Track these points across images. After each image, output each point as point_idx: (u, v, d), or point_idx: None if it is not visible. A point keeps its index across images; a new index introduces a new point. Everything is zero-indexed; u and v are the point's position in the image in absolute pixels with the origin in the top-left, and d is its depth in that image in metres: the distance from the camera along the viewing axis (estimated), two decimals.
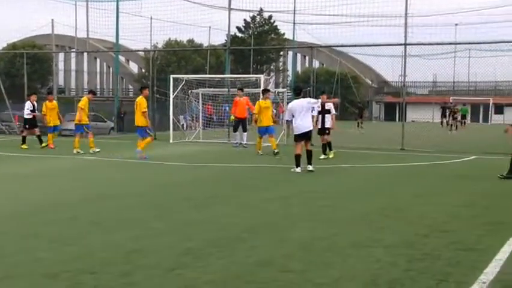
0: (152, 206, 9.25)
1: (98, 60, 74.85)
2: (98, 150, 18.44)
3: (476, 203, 9.79)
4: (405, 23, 23.02)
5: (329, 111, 16.88)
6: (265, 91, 19.76)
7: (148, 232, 7.31)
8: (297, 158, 13.68)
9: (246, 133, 21.73)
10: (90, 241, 6.85)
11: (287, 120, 14.17)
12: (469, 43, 35.61)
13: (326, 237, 7.14)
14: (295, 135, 13.87)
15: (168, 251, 6.39)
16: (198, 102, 26.78)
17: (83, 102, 19.11)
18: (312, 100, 14.40)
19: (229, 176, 13.79)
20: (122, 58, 69.49)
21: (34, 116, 20.83)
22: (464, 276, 5.56)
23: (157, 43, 50.33)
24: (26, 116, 21.02)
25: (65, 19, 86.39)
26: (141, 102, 16.90)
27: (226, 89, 27.17)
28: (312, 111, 14.32)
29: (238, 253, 6.32)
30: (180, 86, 25.05)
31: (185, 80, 25.81)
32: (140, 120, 16.96)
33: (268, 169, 15.14)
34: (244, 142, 21.54)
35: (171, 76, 25.90)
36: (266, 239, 7.04)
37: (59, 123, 21.14)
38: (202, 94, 26.75)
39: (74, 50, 57.13)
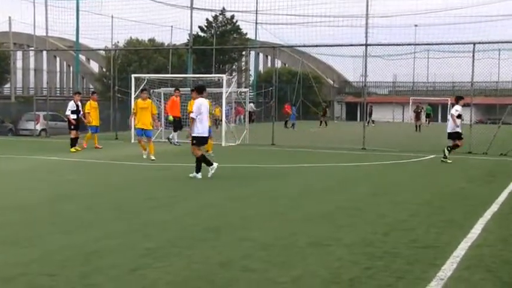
0: (112, 207, 9.16)
1: (58, 59, 73.65)
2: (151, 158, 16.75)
3: (433, 202, 9.96)
4: (366, 24, 23.32)
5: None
6: (142, 91, 18.67)
7: (108, 233, 7.23)
8: (201, 161, 12.68)
9: (177, 133, 22.00)
10: (48, 243, 6.73)
11: (192, 118, 12.67)
12: (428, 44, 36.28)
13: (285, 236, 7.18)
14: (199, 137, 12.69)
15: (129, 251, 6.33)
16: (160, 101, 26.58)
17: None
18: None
19: (189, 176, 13.71)
20: (82, 57, 68.66)
21: (78, 116, 19.81)
22: (423, 273, 5.65)
23: (118, 42, 49.86)
24: (68, 117, 19.92)
25: (23, 17, 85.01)
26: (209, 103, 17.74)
27: (189, 89, 27.04)
28: None
29: (199, 253, 6.30)
30: (142, 86, 24.82)
31: (147, 80, 25.59)
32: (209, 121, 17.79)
33: (228, 169, 15.12)
34: (176, 140, 21.79)
35: (132, 75, 25.67)
36: (227, 238, 7.04)
37: (98, 124, 20.90)
38: (164, 94, 26.56)
39: (32, 48, 56.07)
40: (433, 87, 66.52)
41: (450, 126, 16.97)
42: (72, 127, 19.66)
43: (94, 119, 20.53)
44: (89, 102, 20.68)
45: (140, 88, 20.63)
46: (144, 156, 16.67)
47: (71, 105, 19.85)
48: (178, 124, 22.25)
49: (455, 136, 16.85)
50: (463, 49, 26.63)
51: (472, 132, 20.41)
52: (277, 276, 5.50)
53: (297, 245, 6.74)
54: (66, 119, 20.64)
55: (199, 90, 13.33)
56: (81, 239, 6.91)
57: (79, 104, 20.05)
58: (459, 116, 16.71)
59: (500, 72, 54.16)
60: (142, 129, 17.08)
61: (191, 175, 12.66)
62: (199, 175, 12.59)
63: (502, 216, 8.67)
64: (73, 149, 19.06)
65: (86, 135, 20.46)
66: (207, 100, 13.40)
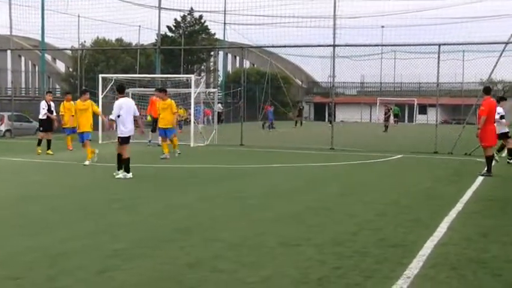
0: (79, 208, 9.05)
1: (22, 58, 72.46)
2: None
3: (400, 202, 10.07)
4: (334, 25, 23.41)
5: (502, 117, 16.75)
6: (84, 91, 17.18)
7: (75, 234, 7.14)
8: (128, 160, 12.87)
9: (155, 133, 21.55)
10: (13, 245, 6.62)
11: (111, 119, 13.04)
12: (394, 45, 36.61)
13: (254, 236, 7.18)
14: (122, 138, 12.90)
15: (96, 253, 6.26)
16: None
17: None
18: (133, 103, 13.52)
19: (158, 176, 13.65)
20: (48, 57, 67.65)
21: (49, 117, 19.05)
22: (391, 272, 5.71)
23: (84, 42, 49.24)
24: (40, 117, 19.13)
25: None
26: (172, 103, 17.89)
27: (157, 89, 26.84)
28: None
29: (167, 254, 6.27)
30: (109, 86, 24.59)
31: (115, 80, 25.34)
32: (172, 121, 17.86)
33: (197, 170, 15.09)
34: (159, 141, 21.24)
35: (100, 75, 25.41)
36: (195, 239, 7.01)
37: (75, 125, 19.21)
38: (132, 94, 26.32)
39: None
40: (400, 88, 67.33)
41: (498, 128, 17.06)
42: (41, 129, 18.98)
43: (68, 121, 19.48)
44: (62, 103, 19.96)
45: (82, 89, 19.50)
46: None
47: (44, 105, 19.09)
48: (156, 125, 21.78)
49: (504, 136, 16.99)
50: (429, 50, 27.00)
51: (437, 132, 20.75)
52: (246, 277, 5.50)
53: (266, 245, 6.75)
54: (39, 120, 19.54)
55: (119, 90, 13.49)
56: (47, 240, 6.81)
57: (51, 104, 19.33)
58: (501, 117, 16.88)
59: (464, 73, 55.22)
60: (82, 132, 16.12)
61: (120, 175, 12.70)
62: (130, 175, 12.67)
63: (466, 215, 8.81)
64: (39, 150, 18.35)
65: (67, 138, 19.61)
66: (127, 99, 13.33)
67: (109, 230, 7.44)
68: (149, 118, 22.48)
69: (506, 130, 17.07)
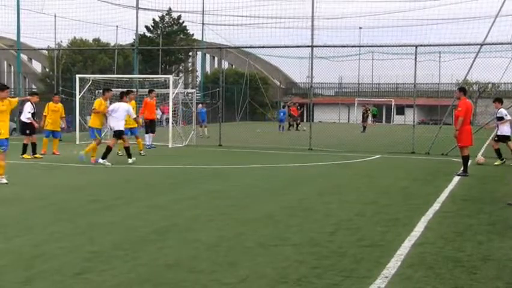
0: (56, 210, 8.95)
1: None
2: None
3: (378, 201, 10.13)
4: (312, 26, 23.52)
5: (502, 118, 16.65)
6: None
7: (51, 236, 7.07)
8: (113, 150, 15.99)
9: (152, 134, 21.53)
10: None
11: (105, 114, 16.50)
12: (372, 46, 36.76)
13: (233, 237, 7.18)
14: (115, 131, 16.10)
15: (72, 255, 6.20)
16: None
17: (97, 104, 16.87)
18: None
19: (137, 177, 13.57)
20: (24, 56, 66.85)
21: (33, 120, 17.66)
22: (368, 271, 5.75)
23: (61, 41, 48.82)
24: (24, 120, 17.65)
25: None
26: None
27: (135, 89, 26.71)
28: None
29: (145, 255, 6.23)
30: (87, 86, 24.40)
31: (92, 80, 25.16)
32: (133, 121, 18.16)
33: (175, 170, 15.04)
34: (148, 143, 21.12)
35: (77, 76, 25.19)
36: (173, 240, 6.99)
37: (59, 129, 18.74)
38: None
39: None
40: (378, 89, 67.81)
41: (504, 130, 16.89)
42: (28, 132, 17.52)
43: (51, 123, 18.45)
44: (47, 104, 18.71)
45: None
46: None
47: (30, 107, 17.61)
48: (150, 126, 21.55)
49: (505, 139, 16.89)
50: (406, 51, 27.25)
51: (414, 132, 20.92)
52: (224, 277, 5.49)
53: (244, 245, 6.74)
54: (23, 123, 18.03)
55: (121, 94, 16.57)
56: (22, 243, 6.73)
57: (33, 106, 17.80)
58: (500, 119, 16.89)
59: (441, 74, 55.87)
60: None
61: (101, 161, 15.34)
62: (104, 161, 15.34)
63: (443, 215, 8.90)
64: (28, 156, 17.10)
65: (43, 141, 18.48)
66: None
67: (86, 231, 7.37)
68: (140, 120, 22.29)
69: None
